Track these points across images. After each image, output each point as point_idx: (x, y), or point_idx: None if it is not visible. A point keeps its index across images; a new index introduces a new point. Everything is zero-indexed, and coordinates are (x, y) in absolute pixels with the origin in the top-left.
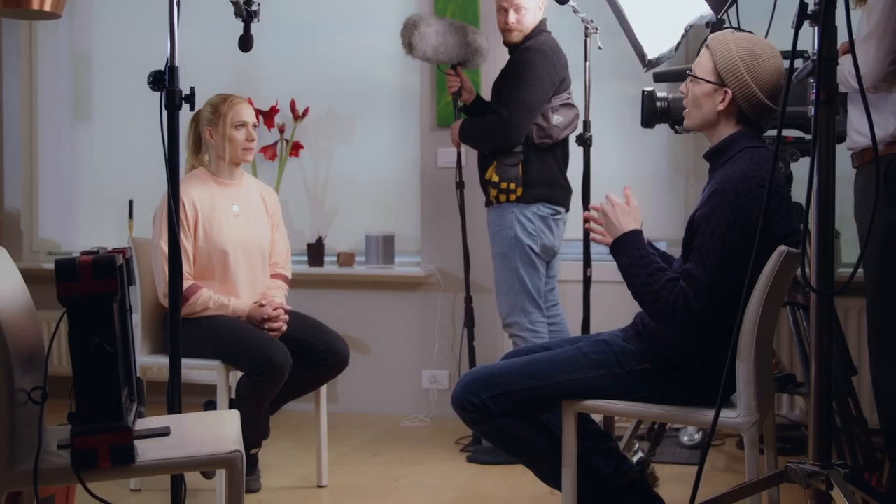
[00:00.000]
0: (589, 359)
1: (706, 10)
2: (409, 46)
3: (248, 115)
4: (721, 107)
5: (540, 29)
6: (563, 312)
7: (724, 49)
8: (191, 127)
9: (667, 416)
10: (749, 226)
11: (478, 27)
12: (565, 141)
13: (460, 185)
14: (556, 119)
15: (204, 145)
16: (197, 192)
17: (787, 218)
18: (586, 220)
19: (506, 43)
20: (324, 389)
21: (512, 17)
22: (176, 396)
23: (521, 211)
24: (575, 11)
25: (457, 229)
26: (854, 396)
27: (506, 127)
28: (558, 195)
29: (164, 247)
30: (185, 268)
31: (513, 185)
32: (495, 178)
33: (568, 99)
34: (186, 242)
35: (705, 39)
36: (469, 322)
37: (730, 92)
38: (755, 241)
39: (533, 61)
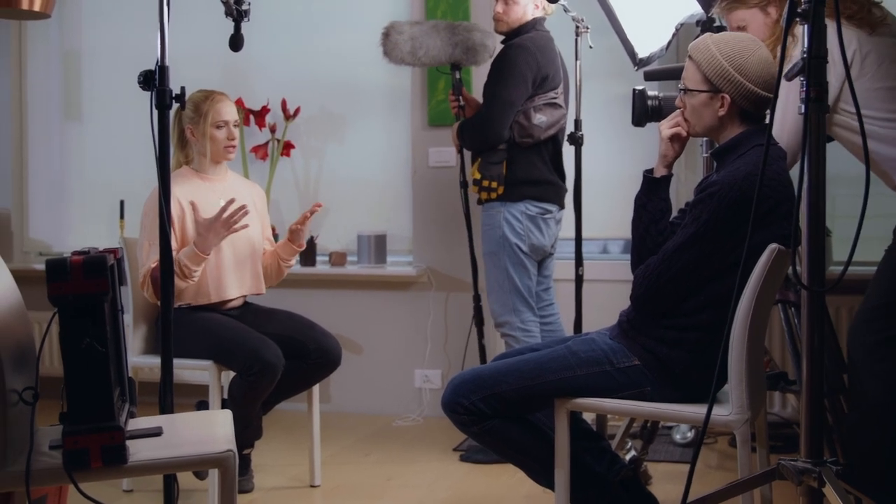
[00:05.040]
0: (578, 357)
1: (696, 9)
2: (386, 55)
3: (230, 113)
4: (722, 112)
5: (531, 26)
6: (558, 313)
7: (708, 55)
8: (174, 122)
9: (658, 413)
10: (739, 222)
11: None
12: (556, 140)
13: (463, 184)
14: (539, 118)
15: (188, 141)
16: (181, 191)
17: (787, 218)
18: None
19: (497, 32)
20: (316, 389)
21: (500, 7)
22: (168, 396)
23: (509, 210)
24: (565, 10)
25: (449, 228)
26: (846, 394)
27: (482, 124)
28: (547, 193)
29: (147, 244)
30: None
31: (494, 184)
32: (477, 176)
33: (554, 98)
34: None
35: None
36: (479, 321)
37: (727, 96)
38: (743, 238)
39: (514, 57)
